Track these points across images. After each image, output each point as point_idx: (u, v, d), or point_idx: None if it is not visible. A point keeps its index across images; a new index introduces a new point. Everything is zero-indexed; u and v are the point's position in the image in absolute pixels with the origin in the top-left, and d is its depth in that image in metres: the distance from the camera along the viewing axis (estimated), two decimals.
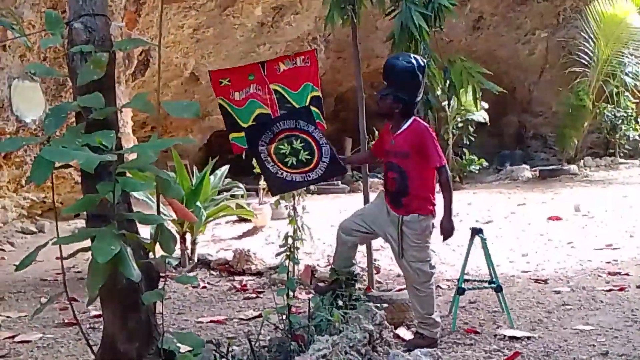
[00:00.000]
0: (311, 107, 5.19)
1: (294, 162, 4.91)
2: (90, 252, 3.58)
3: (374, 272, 6.11)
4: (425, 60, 4.95)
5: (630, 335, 4.95)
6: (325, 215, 9.42)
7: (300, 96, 5.32)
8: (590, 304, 5.78)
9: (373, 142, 5.32)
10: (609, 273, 6.76)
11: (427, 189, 4.79)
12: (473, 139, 14.98)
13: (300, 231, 4.77)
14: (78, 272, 6.65)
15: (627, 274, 6.66)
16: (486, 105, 14.16)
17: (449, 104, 13.24)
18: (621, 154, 16.55)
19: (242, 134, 5.17)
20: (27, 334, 5.50)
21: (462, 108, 13.82)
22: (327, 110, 9.52)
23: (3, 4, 8.07)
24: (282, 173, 4.91)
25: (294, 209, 4.98)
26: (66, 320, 5.71)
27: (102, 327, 4.41)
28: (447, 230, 4.82)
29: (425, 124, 4.90)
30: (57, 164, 3.59)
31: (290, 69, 5.38)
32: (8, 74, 8.91)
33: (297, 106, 5.24)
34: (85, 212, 4.09)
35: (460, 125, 14.65)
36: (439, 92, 5.93)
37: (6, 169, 9.47)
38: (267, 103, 5.31)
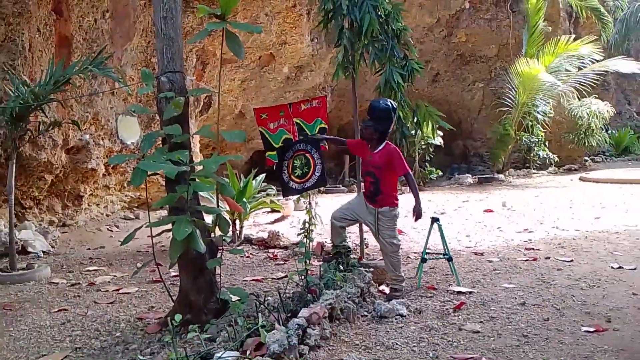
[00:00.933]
0: (318, 134, 5.34)
1: (299, 174, 5.20)
2: (171, 233, 3.59)
3: (364, 247, 6.08)
4: (396, 105, 4.96)
5: (540, 291, 4.90)
6: (331, 207, 9.35)
7: (312, 127, 5.43)
8: (513, 269, 5.71)
9: (351, 139, 5.36)
10: (526, 248, 6.68)
11: (393, 189, 4.82)
12: (432, 156, 14.88)
13: (314, 219, 4.78)
14: (162, 246, 6.65)
15: (538, 249, 6.58)
16: (441, 134, 14.11)
17: (416, 133, 13.16)
18: (534, 167, 16.40)
19: (274, 152, 5.33)
20: (128, 287, 5.51)
21: (425, 136, 13.75)
22: (333, 134, 9.53)
23: (112, 64, 8.10)
24: (289, 182, 5.23)
25: (310, 203, 4.97)
26: (154, 279, 5.72)
27: (178, 284, 4.43)
28: (419, 212, 4.82)
29: (394, 146, 4.89)
30: (149, 173, 3.61)
31: (308, 109, 5.47)
32: (115, 112, 8.95)
33: (309, 134, 5.39)
34: (168, 206, 4.11)
35: (423, 147, 14.55)
36: (409, 125, 5.91)
37: (113, 175, 9.50)
38: (290, 131, 5.42)
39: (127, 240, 3.84)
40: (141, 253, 7.12)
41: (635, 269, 5.50)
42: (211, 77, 11.40)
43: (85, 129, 8.34)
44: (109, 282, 5.79)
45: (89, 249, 7.66)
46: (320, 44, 12.79)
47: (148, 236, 4.30)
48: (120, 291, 5.37)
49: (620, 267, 5.57)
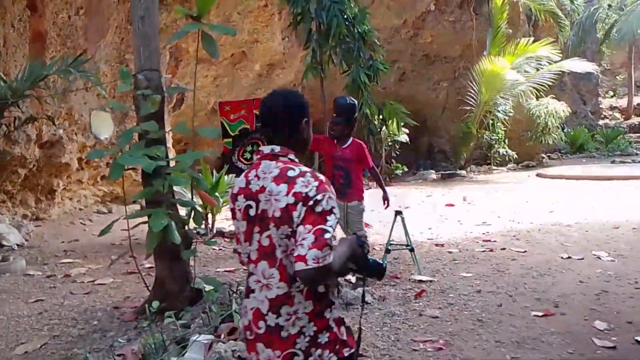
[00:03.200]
0: None
1: (249, 157, 5.61)
2: (146, 225, 3.69)
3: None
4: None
5: (495, 280, 5.14)
6: None
7: None
8: (471, 259, 5.95)
9: (314, 134, 5.58)
10: (484, 240, 6.93)
11: (361, 183, 5.00)
12: (398, 153, 15.10)
13: None
14: (136, 239, 6.68)
15: (495, 241, 6.82)
16: (407, 131, 14.35)
17: (381, 130, 13.34)
18: (494, 164, 16.78)
19: (230, 139, 5.72)
20: (103, 279, 5.56)
21: (392, 133, 13.97)
22: None
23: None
24: (236, 162, 5.64)
25: None
26: (129, 270, 5.77)
27: (154, 275, 4.52)
28: (388, 200, 5.09)
29: (360, 141, 5.06)
30: (126, 167, 3.70)
31: None
32: (89, 107, 8.90)
33: None
34: (144, 199, 4.20)
35: (390, 144, 14.74)
36: (375, 123, 6.08)
37: (87, 170, 9.45)
38: (248, 121, 5.74)
39: (104, 232, 3.93)
40: (115, 246, 7.13)
41: (582, 258, 5.80)
42: (184, 74, 11.39)
43: (59, 124, 8.28)
44: (84, 273, 5.83)
45: (63, 242, 7.64)
46: (292, 43, 12.85)
47: (122, 229, 4.38)
48: (96, 282, 5.42)
49: (569, 257, 5.86)
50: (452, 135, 17.02)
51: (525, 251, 6.20)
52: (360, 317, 2.03)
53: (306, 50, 5.89)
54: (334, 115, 4.92)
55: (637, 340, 3.67)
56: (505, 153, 16.38)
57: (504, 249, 6.37)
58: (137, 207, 8.72)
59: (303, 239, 1.64)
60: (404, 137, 14.63)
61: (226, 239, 7.48)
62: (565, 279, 5.11)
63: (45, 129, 8.06)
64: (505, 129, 16.33)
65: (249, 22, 11.71)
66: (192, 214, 4.09)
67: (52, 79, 7.26)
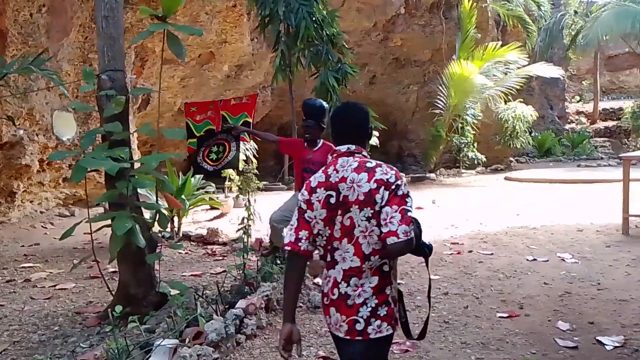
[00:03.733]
0: (242, 127, 5.76)
1: (214, 158, 5.63)
2: (110, 229, 3.66)
3: None
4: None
5: (462, 282, 5.24)
6: (270, 205, 9.48)
7: (237, 120, 5.82)
8: (439, 262, 6.02)
9: (284, 137, 5.63)
10: (452, 243, 7.05)
11: None
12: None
13: (252, 215, 4.91)
14: (99, 243, 6.59)
15: (463, 244, 6.95)
16: (377, 134, 14.46)
17: None
18: (464, 167, 17.04)
19: (195, 140, 5.73)
20: (65, 283, 5.47)
21: None
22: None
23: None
24: (202, 163, 5.67)
25: (249, 200, 5.09)
26: (92, 275, 5.69)
27: (117, 279, 4.47)
28: None
29: (330, 144, 5.10)
30: (89, 169, 3.66)
31: (236, 104, 5.84)
32: (51, 107, 8.74)
33: (231, 125, 5.82)
34: (107, 202, 4.16)
35: None
36: None
37: (48, 172, 9.27)
38: (214, 122, 5.78)
39: (66, 235, 3.87)
40: (78, 250, 7.01)
41: (547, 261, 5.95)
42: (150, 74, 11.28)
43: (19, 125, 8.12)
44: (45, 278, 5.72)
45: (23, 245, 7.46)
46: (261, 44, 12.83)
47: (85, 233, 4.33)
48: (57, 287, 5.33)
49: (534, 260, 6.00)
50: (422, 138, 17.23)
51: (492, 254, 6.33)
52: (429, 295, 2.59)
53: (275, 52, 5.90)
54: (304, 118, 4.94)
55: (598, 340, 3.80)
56: (474, 156, 16.64)
57: (471, 251, 6.49)
58: (100, 210, 8.60)
59: (392, 217, 2.03)
60: (374, 141, 14.71)
61: (192, 243, 7.43)
62: (530, 280, 5.24)
63: (5, 130, 7.89)
64: (474, 132, 16.59)
65: (217, 23, 11.66)
66: (157, 217, 4.06)
67: (13, 78, 7.13)
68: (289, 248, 2.18)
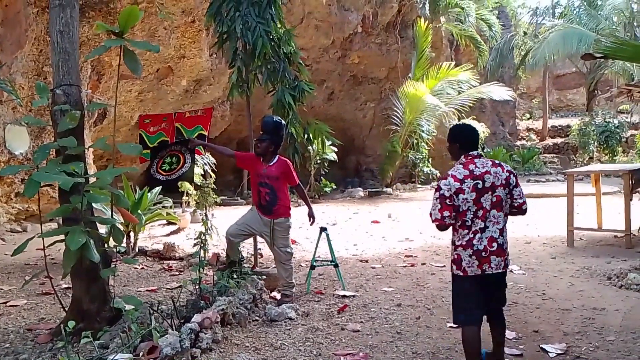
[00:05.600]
0: (198, 140, 5.83)
1: (167, 168, 5.67)
2: (63, 244, 3.61)
3: (259, 256, 6.28)
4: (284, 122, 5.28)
5: (415, 294, 5.35)
6: (228, 219, 9.45)
7: (192, 132, 5.86)
8: (393, 275, 6.15)
9: (240, 152, 5.68)
10: (406, 256, 7.18)
11: (288, 200, 5.08)
12: (327, 171, 15.34)
13: (210, 230, 4.91)
14: (52, 259, 6.45)
15: (416, 256, 7.10)
16: (336, 150, 14.66)
17: (306, 149, 13.42)
18: (419, 182, 17.34)
19: (148, 151, 5.75)
20: (16, 300, 5.33)
21: (320, 151, 14.21)
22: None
23: (1, 72, 7.78)
24: (155, 174, 5.68)
25: (206, 215, 5.10)
26: (44, 291, 5.58)
27: (71, 296, 4.40)
28: (313, 217, 5.23)
29: (286, 159, 5.18)
30: (42, 184, 3.62)
31: (191, 116, 5.89)
32: (3, 120, 8.54)
33: (187, 138, 5.83)
34: (61, 217, 4.10)
35: (319, 162, 14.98)
36: (299, 140, 6.21)
37: (0, 186, 9.03)
38: (168, 134, 5.81)
39: (18, 251, 3.80)
40: (30, 266, 6.84)
41: None
42: (107, 88, 11.13)
43: None
44: None
45: None
46: (220, 59, 12.84)
47: (37, 249, 4.25)
48: (8, 304, 5.19)
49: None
50: (379, 154, 17.49)
51: (444, 266, 6.48)
52: None
53: (232, 69, 5.95)
54: (261, 133, 5.01)
55: (542, 348, 3.95)
56: (429, 171, 16.97)
57: (424, 264, 6.64)
58: (53, 225, 8.41)
59: (521, 192, 3.40)
60: (332, 156, 14.91)
61: (148, 258, 7.35)
62: None
63: None
64: (429, 148, 16.96)
65: (175, 38, 11.63)
66: (112, 231, 4.03)
67: None
68: (437, 223, 3.31)
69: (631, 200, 7.41)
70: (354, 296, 5.27)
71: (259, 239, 5.84)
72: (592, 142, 20.75)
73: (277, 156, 5.06)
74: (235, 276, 4.97)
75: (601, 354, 3.78)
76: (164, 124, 5.81)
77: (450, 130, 3.54)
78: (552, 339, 4.11)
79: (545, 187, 15.43)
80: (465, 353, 3.43)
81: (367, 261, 6.91)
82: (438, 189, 3.28)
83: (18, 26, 8.42)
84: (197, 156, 8.66)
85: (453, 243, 3.41)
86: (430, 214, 3.33)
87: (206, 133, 5.87)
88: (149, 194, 7.86)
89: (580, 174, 8.86)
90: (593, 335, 4.14)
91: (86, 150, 4.73)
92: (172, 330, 3.66)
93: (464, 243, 3.30)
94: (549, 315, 4.66)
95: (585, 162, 20.48)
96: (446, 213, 3.23)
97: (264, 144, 4.97)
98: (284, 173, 4.99)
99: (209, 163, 10.73)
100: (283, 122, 5.12)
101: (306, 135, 6.29)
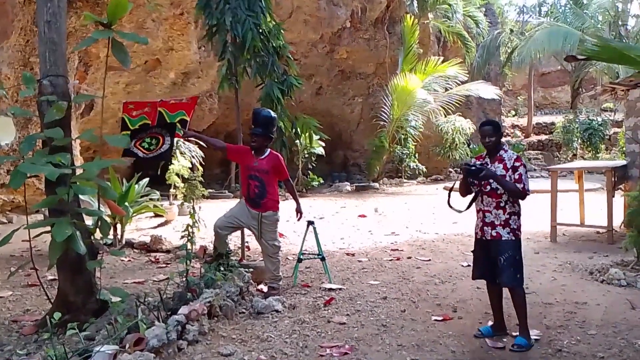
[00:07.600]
0: (176, 123, 5.84)
1: (146, 147, 5.65)
2: (49, 236, 3.58)
3: (246, 249, 6.27)
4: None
5: (400, 287, 5.38)
6: (216, 212, 9.43)
7: (174, 117, 5.84)
8: (379, 268, 6.17)
9: (232, 144, 5.66)
10: (392, 249, 7.21)
11: (276, 194, 5.07)
12: (315, 165, 15.36)
13: (197, 223, 4.88)
14: (38, 250, 6.40)
15: (402, 250, 7.13)
16: (323, 144, 14.65)
17: (294, 142, 13.40)
18: (405, 177, 17.44)
19: (128, 132, 5.76)
20: (1, 291, 5.28)
21: (308, 145, 14.20)
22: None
23: None
24: (132, 148, 5.71)
25: (194, 208, 5.07)
26: (30, 283, 5.53)
27: (56, 287, 4.36)
28: (301, 212, 5.22)
29: (277, 153, 5.17)
30: (28, 175, 3.58)
31: (175, 103, 5.88)
32: None
33: (168, 122, 5.82)
34: (47, 208, 4.06)
35: (306, 156, 14.98)
36: (287, 134, 6.20)
37: None
38: (150, 117, 5.81)
39: (3, 243, 3.74)
40: (15, 257, 6.78)
41: None
42: (94, 79, 11.02)
43: None
44: None
45: None
46: (208, 52, 12.76)
47: (23, 240, 4.20)
48: None
49: (469, 265, 6.16)
50: (366, 149, 17.54)
51: (429, 260, 6.53)
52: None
53: (221, 61, 5.91)
54: (253, 126, 4.98)
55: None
56: (415, 167, 17.05)
57: (410, 257, 6.67)
58: (39, 217, 8.34)
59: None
60: (320, 150, 14.91)
61: (135, 250, 7.31)
62: (464, 285, 5.44)
63: None
64: (415, 143, 17.03)
65: (163, 30, 11.54)
66: (99, 223, 3.99)
67: None
68: (527, 195, 4.07)
69: (613, 196, 7.49)
70: (340, 289, 5.28)
71: (246, 231, 5.82)
72: (576, 139, 20.96)
73: (269, 150, 5.04)
74: (222, 269, 4.95)
75: (582, 347, 3.82)
76: (147, 108, 5.80)
77: (498, 124, 4.24)
78: (535, 333, 4.14)
79: (530, 184, 15.52)
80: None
81: (353, 255, 6.92)
82: (523, 164, 4.01)
83: (4, 16, 8.30)
84: (179, 140, 8.74)
85: (513, 213, 4.09)
86: (526, 188, 4.02)
87: (188, 119, 5.86)
88: (136, 186, 7.81)
89: (564, 170, 8.94)
90: (575, 329, 4.18)
91: (73, 142, 4.68)
92: (159, 322, 3.65)
93: (520, 211, 4.12)
94: (531, 309, 4.68)
95: (569, 158, 20.69)
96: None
97: (259, 138, 4.94)
98: (274, 167, 4.98)
99: (196, 156, 10.68)
100: (275, 115, 5.11)
101: (294, 130, 6.27)
